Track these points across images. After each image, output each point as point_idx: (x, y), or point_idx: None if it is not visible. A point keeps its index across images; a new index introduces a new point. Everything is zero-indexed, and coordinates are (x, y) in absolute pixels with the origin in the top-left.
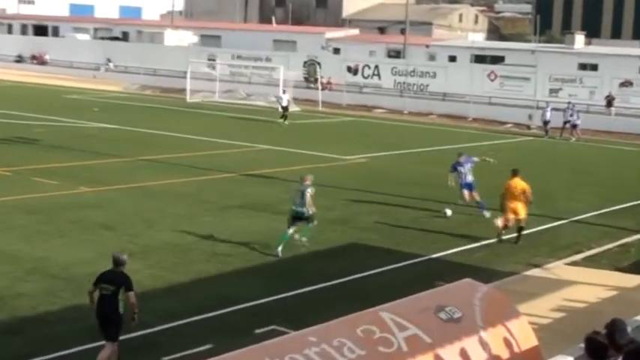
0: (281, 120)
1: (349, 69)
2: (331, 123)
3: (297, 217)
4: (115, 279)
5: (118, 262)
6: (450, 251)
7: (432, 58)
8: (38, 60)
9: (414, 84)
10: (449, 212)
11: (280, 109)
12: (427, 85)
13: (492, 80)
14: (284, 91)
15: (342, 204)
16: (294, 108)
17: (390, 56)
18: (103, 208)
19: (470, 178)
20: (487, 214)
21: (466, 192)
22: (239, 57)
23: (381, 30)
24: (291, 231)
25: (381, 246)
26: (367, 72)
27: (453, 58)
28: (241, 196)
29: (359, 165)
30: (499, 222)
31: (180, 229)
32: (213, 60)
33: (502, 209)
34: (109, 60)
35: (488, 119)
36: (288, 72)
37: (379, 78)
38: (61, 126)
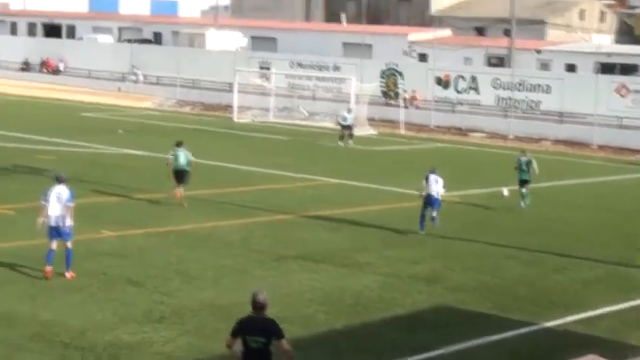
0: (342, 143)
1: (439, 81)
2: (415, 150)
3: (523, 181)
4: (264, 328)
5: (262, 306)
6: (568, 318)
7: (544, 66)
8: (49, 68)
9: (521, 100)
10: (506, 192)
11: (341, 129)
12: (539, 102)
13: (623, 96)
14: (349, 110)
15: (429, 256)
16: (368, 131)
17: (490, 64)
18: (129, 258)
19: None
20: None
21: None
22: (299, 65)
23: (480, 30)
24: (524, 190)
25: (478, 311)
26: (462, 85)
27: (571, 68)
28: (300, 244)
29: (451, 205)
30: None
31: (224, 285)
32: (267, 69)
33: None
34: (136, 68)
35: (617, 147)
36: (361, 84)
37: (477, 92)
38: (75, 152)
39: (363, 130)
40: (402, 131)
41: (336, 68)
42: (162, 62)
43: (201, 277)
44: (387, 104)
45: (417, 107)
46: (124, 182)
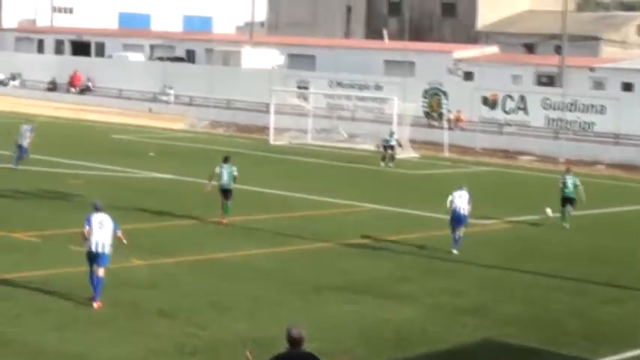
0: (383, 164)
1: (485, 101)
2: (461, 174)
3: (568, 199)
4: None
5: (299, 341)
6: (627, 354)
7: (598, 85)
8: (76, 83)
9: (573, 121)
10: (550, 212)
11: (382, 149)
12: (592, 124)
13: None
14: (392, 133)
15: (475, 287)
16: (410, 154)
17: (540, 83)
18: (161, 288)
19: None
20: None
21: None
22: (339, 84)
23: (529, 47)
24: (570, 209)
25: (526, 345)
26: (509, 105)
27: (628, 87)
28: (340, 274)
29: (498, 232)
30: None
31: (260, 317)
32: (305, 88)
33: None
34: (169, 87)
35: None
36: (403, 104)
37: (526, 113)
38: (105, 176)
39: (404, 153)
40: (446, 154)
41: (378, 87)
42: (195, 81)
43: (236, 308)
44: (430, 125)
45: (462, 129)
46: (154, 208)
